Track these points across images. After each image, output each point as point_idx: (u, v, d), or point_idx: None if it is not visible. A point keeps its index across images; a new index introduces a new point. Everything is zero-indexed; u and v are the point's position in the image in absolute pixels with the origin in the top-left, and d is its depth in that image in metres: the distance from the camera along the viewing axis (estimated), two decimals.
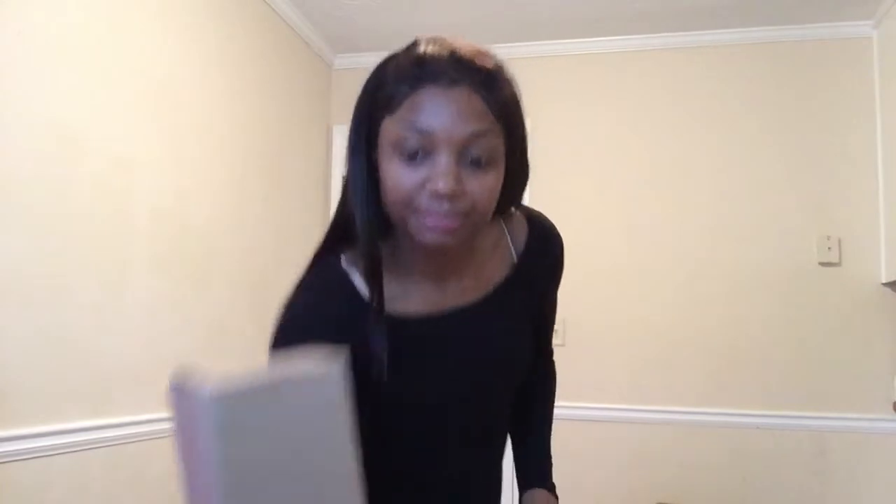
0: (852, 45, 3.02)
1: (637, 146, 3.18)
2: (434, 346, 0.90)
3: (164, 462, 2.20)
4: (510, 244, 0.99)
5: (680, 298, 3.04)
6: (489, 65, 0.82)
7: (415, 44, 0.84)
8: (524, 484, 1.07)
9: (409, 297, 0.90)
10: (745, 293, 2.99)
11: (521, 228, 1.01)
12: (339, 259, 0.91)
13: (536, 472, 1.07)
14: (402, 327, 0.88)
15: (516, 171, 0.89)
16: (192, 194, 2.37)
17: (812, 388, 2.89)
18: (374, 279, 0.86)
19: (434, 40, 0.83)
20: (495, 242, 0.98)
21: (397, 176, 0.80)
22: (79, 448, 1.84)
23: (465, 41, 0.84)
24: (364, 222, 0.85)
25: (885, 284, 2.87)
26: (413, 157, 0.79)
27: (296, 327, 0.88)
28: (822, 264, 2.94)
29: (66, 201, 1.82)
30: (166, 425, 2.30)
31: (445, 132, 0.78)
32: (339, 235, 0.91)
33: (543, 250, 1.02)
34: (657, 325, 3.03)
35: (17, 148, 1.68)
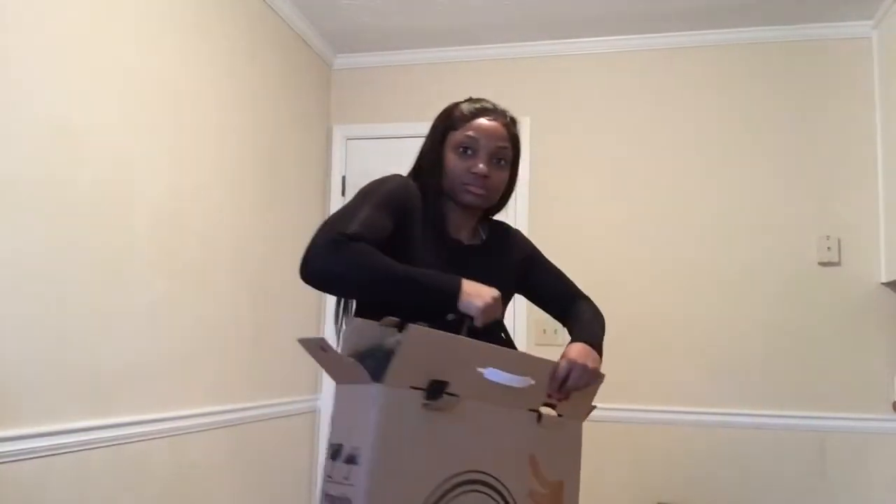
0: (852, 45, 3.02)
1: (636, 146, 3.18)
2: (470, 261, 1.48)
3: (163, 462, 2.20)
4: (481, 232, 1.59)
5: (679, 298, 3.04)
6: (510, 115, 1.52)
7: (472, 98, 1.52)
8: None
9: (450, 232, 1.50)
10: (744, 293, 2.99)
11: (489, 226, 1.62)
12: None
13: (579, 334, 1.45)
14: (453, 244, 1.48)
15: (510, 182, 1.53)
16: (191, 194, 2.37)
17: (812, 388, 2.89)
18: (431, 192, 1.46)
19: (486, 99, 1.52)
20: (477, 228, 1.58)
21: (456, 163, 1.44)
22: (79, 448, 1.84)
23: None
24: (430, 174, 1.47)
25: (885, 284, 2.87)
26: (465, 152, 1.44)
27: (388, 181, 1.42)
28: (822, 264, 2.94)
29: (65, 201, 1.82)
30: (166, 425, 2.29)
31: (485, 142, 1.44)
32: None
33: (503, 236, 1.61)
34: (657, 325, 3.03)
35: (17, 148, 1.68)
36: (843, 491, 2.80)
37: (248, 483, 2.72)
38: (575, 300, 1.61)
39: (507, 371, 1.21)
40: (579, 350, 1.36)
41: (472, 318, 1.24)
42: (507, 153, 1.46)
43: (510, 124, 1.49)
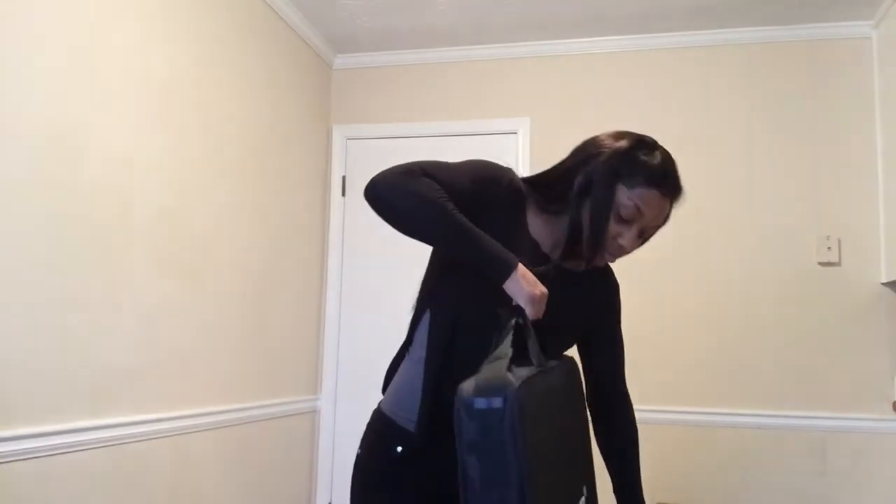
0: (852, 45, 3.02)
1: None
2: (553, 282, 1.25)
3: (164, 462, 2.20)
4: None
5: (679, 298, 3.04)
6: (682, 190, 1.34)
7: (656, 148, 1.31)
8: None
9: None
10: (744, 293, 2.99)
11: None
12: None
13: (632, 494, 1.47)
14: (541, 256, 1.32)
15: None
16: (192, 194, 2.37)
17: (812, 388, 2.89)
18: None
19: (670, 157, 1.33)
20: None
21: (610, 226, 1.27)
22: (79, 448, 1.84)
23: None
24: (599, 229, 1.27)
25: (885, 284, 2.87)
26: (620, 219, 1.26)
27: (496, 163, 1.33)
28: (822, 264, 2.94)
29: (66, 201, 1.82)
30: (166, 425, 2.29)
31: (646, 220, 1.28)
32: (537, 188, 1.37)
33: (599, 272, 1.46)
34: (657, 325, 3.03)
35: (17, 148, 1.68)
36: (843, 491, 2.80)
37: (248, 483, 2.72)
38: (619, 400, 1.50)
39: None
40: None
41: (522, 310, 1.15)
42: (654, 233, 1.36)
43: (676, 202, 1.35)
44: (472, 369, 1.04)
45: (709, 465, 2.92)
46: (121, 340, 2.02)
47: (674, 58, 3.19)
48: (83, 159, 1.88)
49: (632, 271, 3.08)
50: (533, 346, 1.14)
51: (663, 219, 1.33)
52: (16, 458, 1.65)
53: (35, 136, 1.73)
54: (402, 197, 1.18)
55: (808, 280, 2.95)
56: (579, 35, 3.24)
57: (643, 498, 1.49)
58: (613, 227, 1.27)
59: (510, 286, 1.15)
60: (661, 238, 3.38)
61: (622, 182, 1.26)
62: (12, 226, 1.67)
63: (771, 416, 2.89)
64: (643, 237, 1.33)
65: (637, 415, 1.64)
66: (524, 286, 1.14)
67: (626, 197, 1.26)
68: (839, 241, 2.93)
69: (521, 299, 1.15)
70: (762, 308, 2.97)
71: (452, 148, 3.33)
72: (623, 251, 1.31)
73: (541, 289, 1.16)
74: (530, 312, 1.15)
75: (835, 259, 2.93)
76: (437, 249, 1.33)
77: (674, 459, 2.94)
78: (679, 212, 3.46)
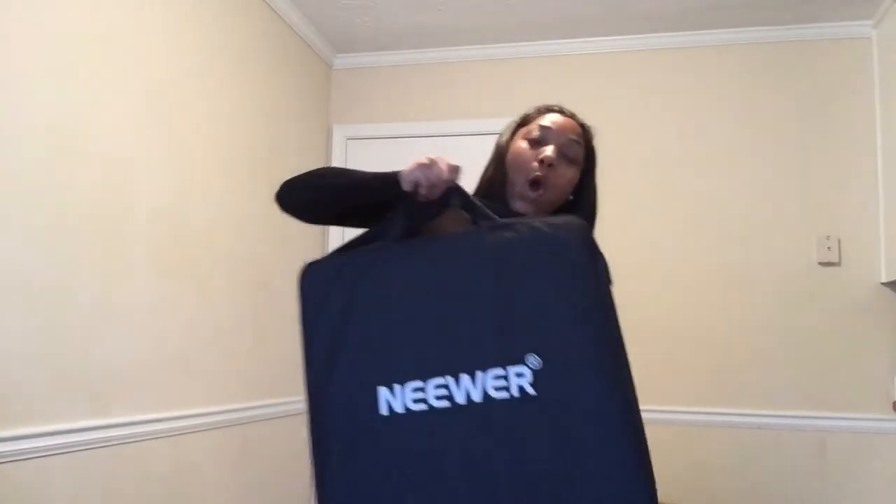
0: (852, 45, 3.02)
1: (636, 146, 3.18)
2: None
3: (164, 462, 2.20)
4: None
5: (680, 298, 3.04)
6: (584, 122, 1.43)
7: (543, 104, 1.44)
8: None
9: None
10: (744, 293, 2.99)
11: None
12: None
13: None
14: None
15: (585, 191, 1.46)
16: (192, 194, 2.37)
17: (812, 388, 2.89)
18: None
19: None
20: None
21: (523, 149, 1.34)
22: (79, 448, 1.84)
23: None
24: (492, 170, 1.41)
25: (885, 284, 2.87)
26: (534, 142, 1.33)
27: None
28: (822, 264, 2.94)
29: (66, 201, 1.82)
30: (166, 425, 2.28)
31: (556, 136, 1.34)
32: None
33: None
34: (657, 325, 3.03)
35: (17, 148, 1.68)
36: (843, 491, 2.80)
37: (248, 483, 2.72)
38: None
39: None
40: None
41: (409, 195, 1.08)
42: (577, 149, 1.36)
43: (585, 127, 1.42)
44: None
45: (709, 465, 2.92)
46: (121, 340, 2.02)
47: (674, 58, 3.19)
48: (83, 159, 1.88)
49: (632, 271, 3.10)
50: (396, 221, 1.11)
51: (577, 133, 1.37)
52: (16, 458, 1.65)
53: (35, 137, 1.73)
54: (297, 185, 1.25)
55: (808, 280, 2.95)
56: (579, 35, 3.24)
57: None
58: (530, 150, 1.33)
59: (403, 181, 1.08)
60: (660, 237, 3.40)
61: (522, 126, 1.40)
62: (12, 225, 1.67)
63: (771, 416, 2.89)
64: (566, 155, 1.34)
65: None
66: (405, 174, 1.07)
67: (529, 126, 1.38)
68: (839, 241, 2.93)
69: (403, 181, 1.07)
70: (762, 308, 2.97)
71: (452, 148, 3.33)
72: (550, 169, 1.30)
73: (426, 157, 1.08)
74: (410, 181, 1.07)
75: (835, 259, 2.93)
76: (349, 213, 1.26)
77: (673, 459, 2.94)
78: (679, 211, 3.46)
